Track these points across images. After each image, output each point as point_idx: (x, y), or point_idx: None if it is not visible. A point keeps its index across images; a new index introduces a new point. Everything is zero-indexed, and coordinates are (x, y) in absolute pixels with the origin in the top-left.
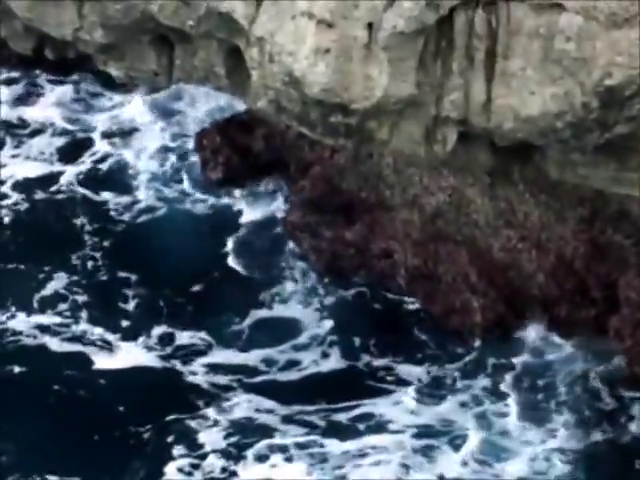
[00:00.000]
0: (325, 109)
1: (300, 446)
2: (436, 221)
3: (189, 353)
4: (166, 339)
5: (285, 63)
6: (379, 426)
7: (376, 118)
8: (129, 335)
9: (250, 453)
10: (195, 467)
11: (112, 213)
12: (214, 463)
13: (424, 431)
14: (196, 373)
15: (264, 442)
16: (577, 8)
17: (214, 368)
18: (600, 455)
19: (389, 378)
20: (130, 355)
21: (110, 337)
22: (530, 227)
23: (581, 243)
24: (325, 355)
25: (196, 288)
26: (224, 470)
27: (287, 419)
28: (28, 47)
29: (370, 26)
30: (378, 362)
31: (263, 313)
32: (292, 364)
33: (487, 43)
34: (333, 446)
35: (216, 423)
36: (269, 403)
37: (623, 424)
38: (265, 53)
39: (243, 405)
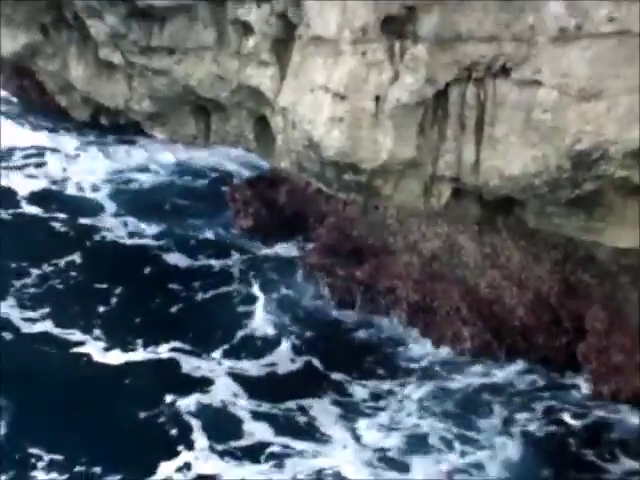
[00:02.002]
0: (339, 169)
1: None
2: (432, 263)
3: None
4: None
5: (305, 129)
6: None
7: (382, 176)
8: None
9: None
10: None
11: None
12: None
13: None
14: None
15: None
16: (553, 84)
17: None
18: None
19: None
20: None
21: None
22: (512, 268)
23: (555, 282)
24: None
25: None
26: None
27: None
28: (86, 115)
29: (377, 98)
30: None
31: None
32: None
33: (476, 113)
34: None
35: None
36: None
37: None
38: (288, 121)
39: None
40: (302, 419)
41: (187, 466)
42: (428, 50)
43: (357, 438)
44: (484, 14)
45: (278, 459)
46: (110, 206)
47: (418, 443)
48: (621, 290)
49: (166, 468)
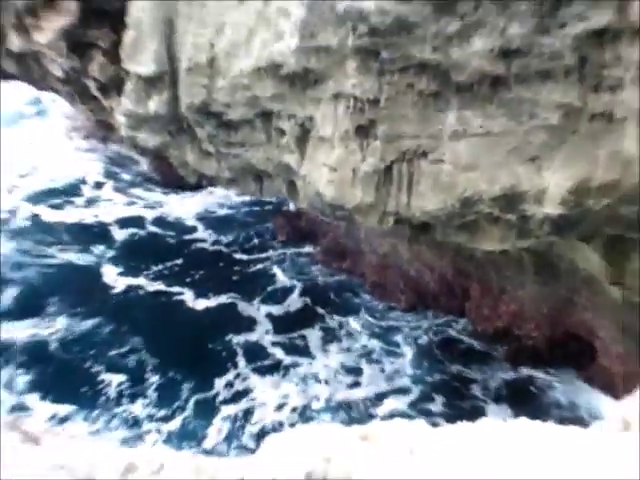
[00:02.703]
0: (334, 207)
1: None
2: (384, 259)
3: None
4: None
5: (315, 187)
6: None
7: (357, 212)
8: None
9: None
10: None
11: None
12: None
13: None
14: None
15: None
16: (451, 161)
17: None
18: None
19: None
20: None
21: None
22: (427, 261)
23: (451, 269)
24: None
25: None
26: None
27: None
28: (194, 180)
29: (354, 170)
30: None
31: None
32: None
33: (407, 178)
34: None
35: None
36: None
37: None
38: (305, 182)
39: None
40: (301, 343)
41: (230, 384)
42: (382, 144)
43: (327, 354)
44: (412, 124)
45: (287, 370)
46: (201, 226)
47: (367, 357)
48: (489, 274)
49: (218, 382)
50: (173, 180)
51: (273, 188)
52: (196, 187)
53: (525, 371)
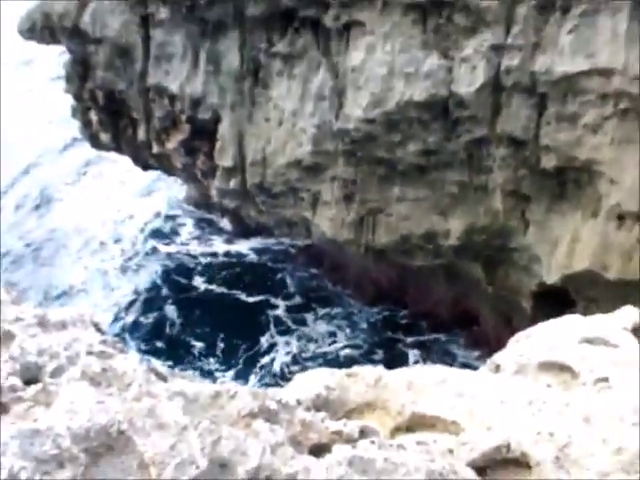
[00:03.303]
0: (331, 241)
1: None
2: (359, 270)
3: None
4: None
5: (321, 229)
6: None
7: (344, 244)
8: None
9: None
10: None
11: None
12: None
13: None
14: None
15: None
16: (395, 214)
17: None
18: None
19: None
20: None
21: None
22: (383, 270)
23: (396, 275)
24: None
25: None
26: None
27: None
28: (253, 226)
29: (343, 220)
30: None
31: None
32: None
33: (372, 225)
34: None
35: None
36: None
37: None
38: (316, 227)
39: None
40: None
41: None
42: (357, 205)
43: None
44: (374, 194)
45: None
46: (248, 251)
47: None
48: (419, 279)
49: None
50: (241, 229)
51: (297, 232)
52: (256, 233)
53: (435, 335)
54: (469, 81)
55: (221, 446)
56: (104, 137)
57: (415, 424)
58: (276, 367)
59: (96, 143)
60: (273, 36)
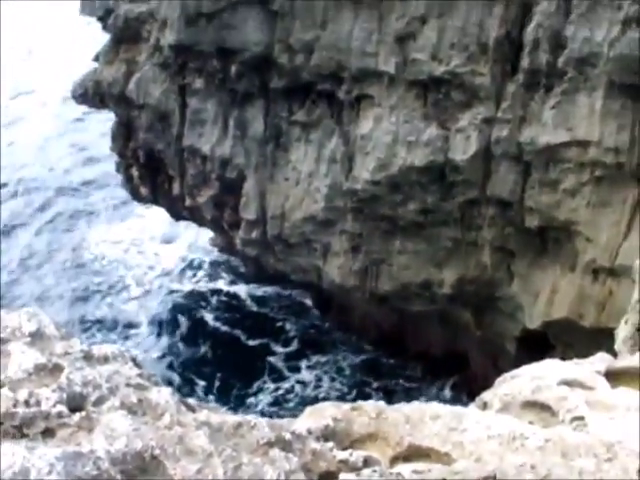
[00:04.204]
0: (340, 287)
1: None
2: (363, 312)
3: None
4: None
5: (331, 277)
6: None
7: (351, 290)
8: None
9: None
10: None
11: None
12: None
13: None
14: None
15: None
16: (395, 264)
17: None
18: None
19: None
20: None
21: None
22: (384, 314)
23: (396, 319)
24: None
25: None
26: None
27: None
28: (272, 273)
29: (350, 268)
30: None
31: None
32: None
33: (376, 273)
34: None
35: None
36: None
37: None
38: (326, 274)
39: None
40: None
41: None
42: (363, 256)
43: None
44: (378, 246)
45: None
46: (262, 294)
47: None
48: (416, 323)
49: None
50: (260, 275)
51: (311, 277)
52: (273, 278)
53: (428, 377)
54: (463, 149)
55: (242, 472)
56: (143, 190)
57: (412, 454)
58: (260, 407)
59: (136, 196)
60: (293, 106)
